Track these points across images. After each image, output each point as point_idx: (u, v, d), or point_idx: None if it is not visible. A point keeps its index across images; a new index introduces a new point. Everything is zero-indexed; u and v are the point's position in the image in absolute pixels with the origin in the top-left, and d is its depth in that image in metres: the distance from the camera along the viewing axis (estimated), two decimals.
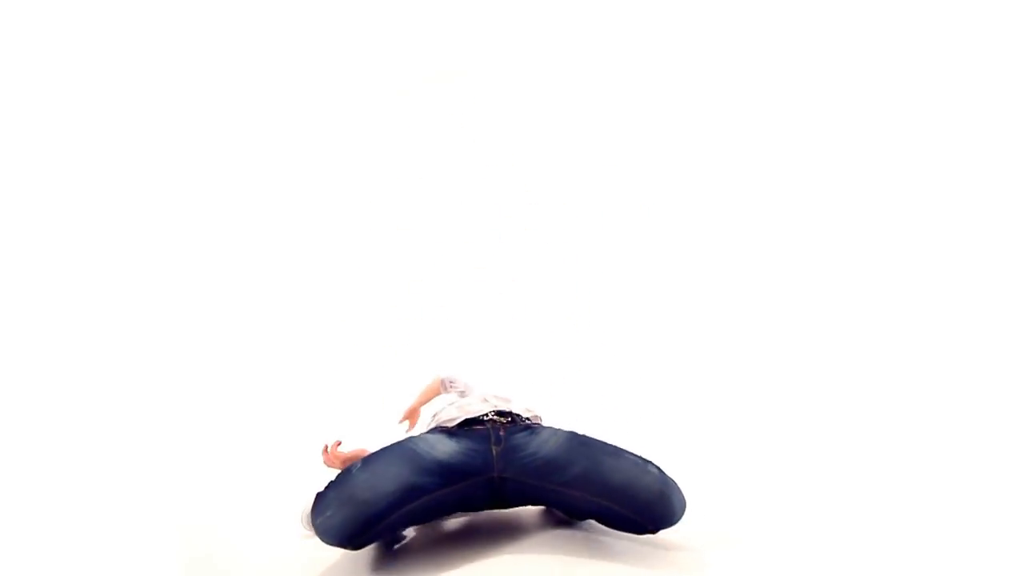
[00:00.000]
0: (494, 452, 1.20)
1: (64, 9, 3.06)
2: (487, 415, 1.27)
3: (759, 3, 3.69)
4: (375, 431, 1.76)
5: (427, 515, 1.19)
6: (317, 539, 1.19)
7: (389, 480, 1.13)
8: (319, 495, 1.14)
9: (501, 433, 1.22)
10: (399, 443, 1.23)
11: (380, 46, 3.66)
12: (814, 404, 3.01)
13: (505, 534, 1.31)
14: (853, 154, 3.68)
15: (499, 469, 1.19)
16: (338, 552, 1.31)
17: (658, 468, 1.21)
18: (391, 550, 1.32)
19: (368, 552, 1.31)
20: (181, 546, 1.56)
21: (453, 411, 1.34)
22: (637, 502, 1.15)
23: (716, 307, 3.63)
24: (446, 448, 1.20)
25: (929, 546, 1.47)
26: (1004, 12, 3.42)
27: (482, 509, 1.28)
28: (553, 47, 3.74)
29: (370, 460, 1.18)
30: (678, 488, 1.20)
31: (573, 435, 1.25)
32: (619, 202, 3.75)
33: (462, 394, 1.62)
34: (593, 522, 1.32)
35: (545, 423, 1.39)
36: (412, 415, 1.77)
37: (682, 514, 1.19)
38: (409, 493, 1.13)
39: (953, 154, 3.57)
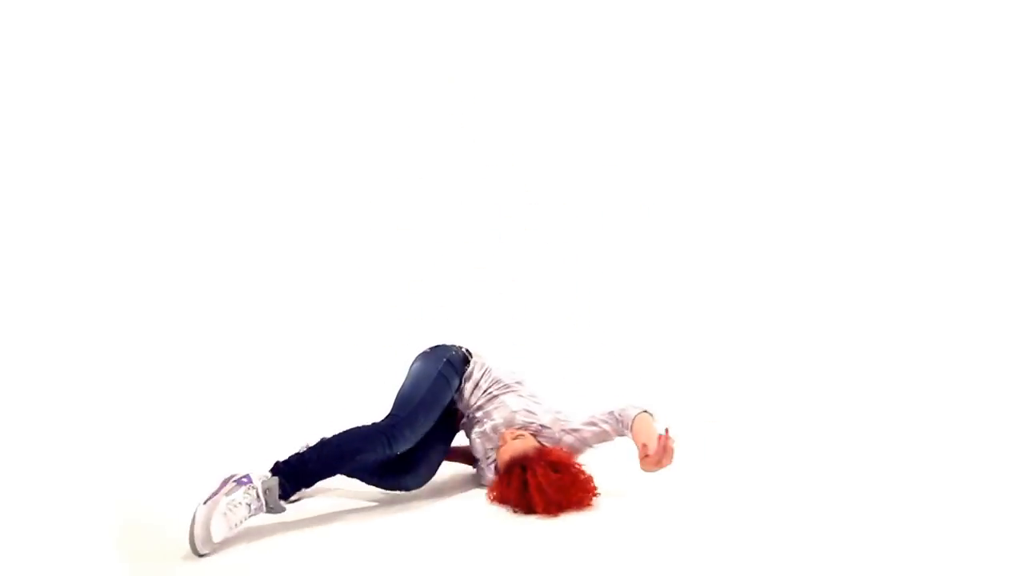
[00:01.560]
0: None
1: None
2: None
3: (758, 4, 3.70)
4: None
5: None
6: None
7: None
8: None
9: None
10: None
11: (381, 46, 3.67)
12: (812, 405, 3.02)
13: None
14: (851, 154, 3.69)
15: None
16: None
17: None
18: None
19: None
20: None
21: None
22: None
23: (715, 307, 3.64)
24: None
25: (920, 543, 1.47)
26: (1004, 12, 3.42)
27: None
28: (553, 47, 3.75)
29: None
30: None
31: None
32: (619, 202, 3.75)
33: None
34: None
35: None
36: None
37: None
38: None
39: (951, 154, 3.57)
